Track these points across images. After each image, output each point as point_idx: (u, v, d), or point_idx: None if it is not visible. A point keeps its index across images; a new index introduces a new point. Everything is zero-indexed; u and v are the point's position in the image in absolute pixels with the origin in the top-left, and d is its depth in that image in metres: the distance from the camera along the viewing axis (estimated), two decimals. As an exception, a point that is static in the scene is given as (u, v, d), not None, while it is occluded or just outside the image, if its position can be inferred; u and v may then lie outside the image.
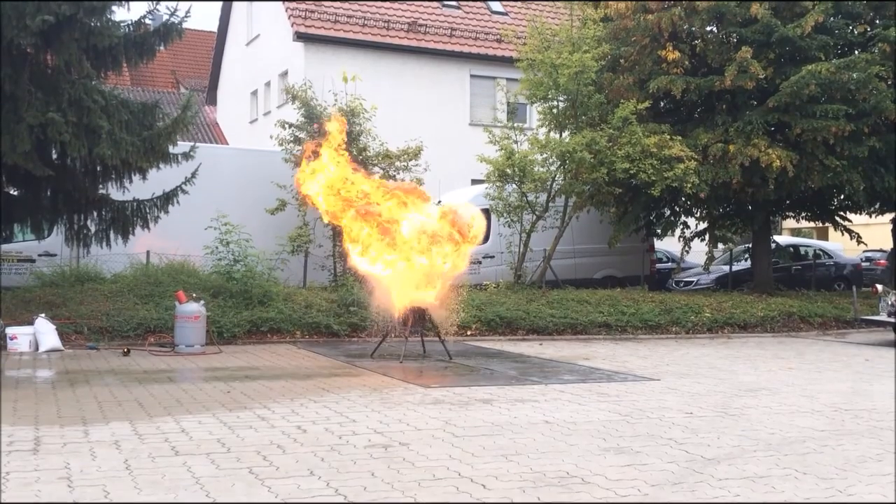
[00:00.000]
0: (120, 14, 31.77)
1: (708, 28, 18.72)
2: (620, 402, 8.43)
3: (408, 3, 25.44)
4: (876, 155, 17.64)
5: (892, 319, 15.20)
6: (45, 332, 11.95)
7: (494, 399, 8.51)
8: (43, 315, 12.20)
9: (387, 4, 24.90)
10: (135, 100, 14.57)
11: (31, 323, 12.06)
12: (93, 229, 13.91)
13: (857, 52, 17.84)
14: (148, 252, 15.12)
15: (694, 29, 18.41)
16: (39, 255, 15.47)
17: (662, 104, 19.16)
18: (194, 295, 12.52)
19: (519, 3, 26.93)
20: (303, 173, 12.04)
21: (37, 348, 11.87)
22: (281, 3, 24.05)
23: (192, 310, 12.12)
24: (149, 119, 13.36)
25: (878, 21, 18.37)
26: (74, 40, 12.01)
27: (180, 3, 13.54)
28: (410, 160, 17.33)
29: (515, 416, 7.54)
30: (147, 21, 13.80)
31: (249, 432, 6.66)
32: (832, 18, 17.91)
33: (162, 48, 13.90)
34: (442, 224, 11.63)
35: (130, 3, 13.36)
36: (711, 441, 6.69)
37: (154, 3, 13.45)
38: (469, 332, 14.29)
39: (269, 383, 9.33)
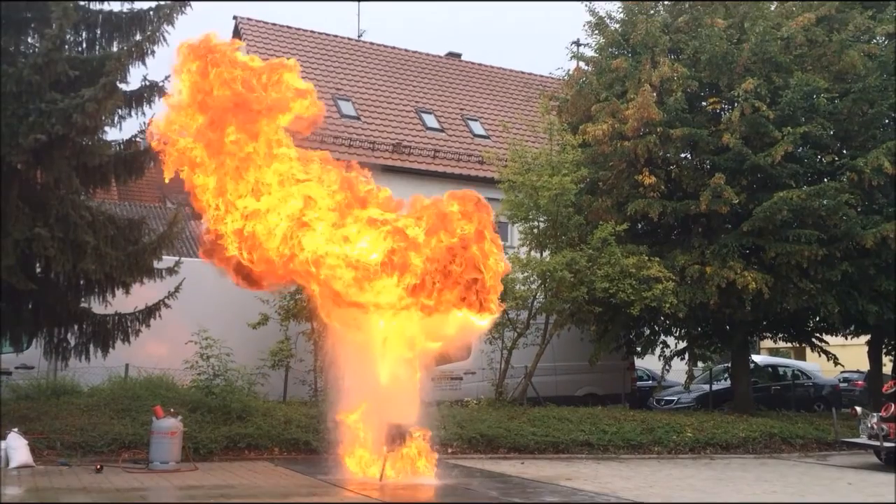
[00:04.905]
0: (112, 133, 32.43)
1: (682, 155, 19.40)
2: (602, 526, 8.32)
3: (393, 125, 26.28)
4: (849, 279, 18.00)
5: (873, 442, 15.17)
6: (16, 447, 11.66)
7: (475, 521, 8.37)
8: (16, 430, 11.93)
9: (372, 127, 25.71)
10: (121, 215, 14.74)
11: (3, 438, 11.80)
12: (72, 342, 13.79)
13: (826, 180, 18.47)
14: (127, 365, 14.99)
15: (669, 155, 19.09)
16: (16, 368, 15.23)
17: (640, 226, 19.64)
18: (172, 410, 12.35)
19: (500, 127, 27.85)
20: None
21: (7, 464, 11.56)
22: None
23: (169, 425, 11.92)
24: (135, 234, 13.49)
25: (844, 151, 19.12)
26: (65, 158, 12.23)
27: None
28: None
29: (496, 539, 7.42)
30: (138, 140, 14.15)
31: (224, 554, 6.51)
32: (801, 148, 18.60)
33: (152, 166, 14.22)
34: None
35: (123, 123, 13.70)
36: (694, 566, 6.61)
37: (146, 123, 13.81)
38: (450, 450, 14.11)
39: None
